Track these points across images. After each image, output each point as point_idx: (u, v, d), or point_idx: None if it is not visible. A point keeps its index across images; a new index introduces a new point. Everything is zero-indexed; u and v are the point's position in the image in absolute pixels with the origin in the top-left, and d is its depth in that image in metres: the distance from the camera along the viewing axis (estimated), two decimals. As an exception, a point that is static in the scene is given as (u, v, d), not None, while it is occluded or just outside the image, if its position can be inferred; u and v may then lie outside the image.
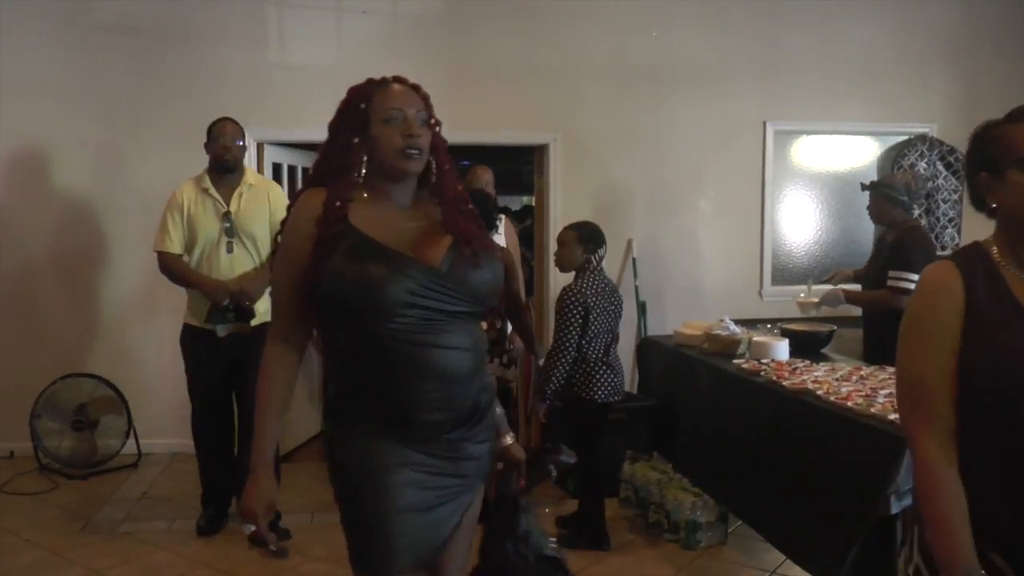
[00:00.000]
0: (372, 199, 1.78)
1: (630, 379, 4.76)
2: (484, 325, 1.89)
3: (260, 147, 5.09)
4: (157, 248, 3.82)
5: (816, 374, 3.35)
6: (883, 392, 2.96)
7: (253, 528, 1.71)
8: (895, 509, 2.50)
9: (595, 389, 3.67)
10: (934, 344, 1.49)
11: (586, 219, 3.95)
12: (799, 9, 5.66)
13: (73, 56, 4.97)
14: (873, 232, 5.16)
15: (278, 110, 5.05)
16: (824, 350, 4.02)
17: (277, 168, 5.28)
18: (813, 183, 5.90)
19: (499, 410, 1.93)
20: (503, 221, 4.06)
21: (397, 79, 1.83)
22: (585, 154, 5.45)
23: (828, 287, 4.10)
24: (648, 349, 4.66)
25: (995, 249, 1.53)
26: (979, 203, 1.57)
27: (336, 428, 1.78)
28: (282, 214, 1.87)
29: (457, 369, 1.73)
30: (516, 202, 9.56)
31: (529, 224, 6.35)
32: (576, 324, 3.61)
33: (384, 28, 5.25)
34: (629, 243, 5.49)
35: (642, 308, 5.42)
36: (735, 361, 3.72)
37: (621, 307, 3.81)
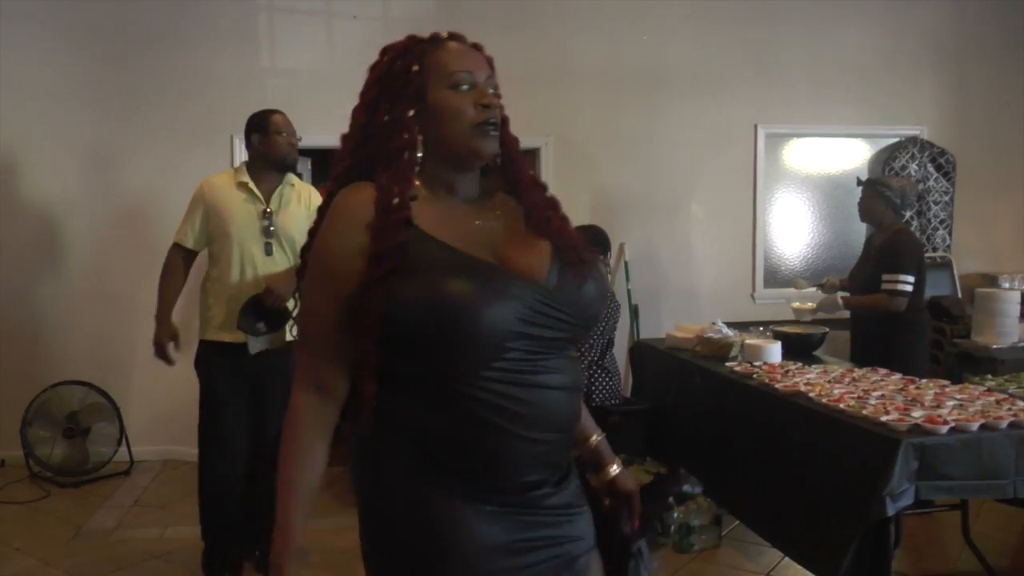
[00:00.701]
0: (431, 192, 1.37)
1: (624, 382, 4.76)
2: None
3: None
4: (174, 239, 3.38)
5: (808, 376, 3.35)
6: (875, 394, 2.97)
7: None
8: (890, 512, 2.50)
9: (592, 393, 3.66)
10: None
11: (579, 223, 3.93)
12: (790, 13, 5.68)
13: (65, 60, 4.94)
14: (865, 234, 5.18)
15: (269, 115, 5.04)
16: (816, 352, 4.05)
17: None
18: (805, 186, 5.92)
19: (599, 436, 1.58)
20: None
21: (453, 35, 1.48)
22: (577, 158, 5.46)
23: (815, 291, 4.11)
24: (641, 352, 4.66)
25: None
26: None
27: (387, 477, 1.34)
28: None
29: (566, 415, 1.37)
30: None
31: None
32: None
33: (375, 33, 5.24)
34: (621, 247, 5.49)
35: (635, 312, 5.42)
36: (728, 364, 3.72)
37: (618, 312, 3.82)
